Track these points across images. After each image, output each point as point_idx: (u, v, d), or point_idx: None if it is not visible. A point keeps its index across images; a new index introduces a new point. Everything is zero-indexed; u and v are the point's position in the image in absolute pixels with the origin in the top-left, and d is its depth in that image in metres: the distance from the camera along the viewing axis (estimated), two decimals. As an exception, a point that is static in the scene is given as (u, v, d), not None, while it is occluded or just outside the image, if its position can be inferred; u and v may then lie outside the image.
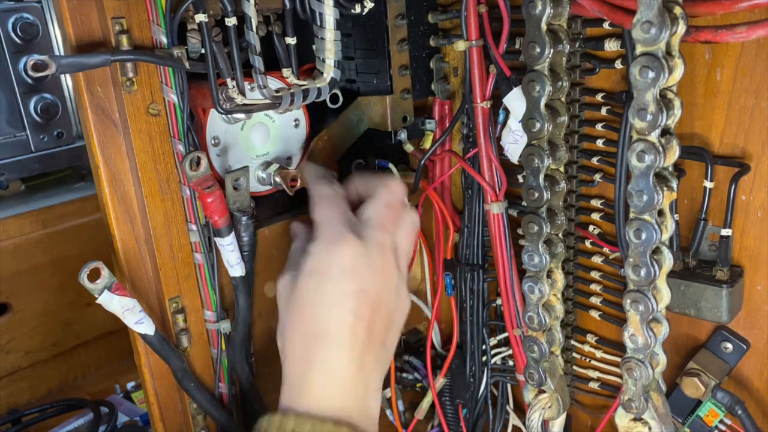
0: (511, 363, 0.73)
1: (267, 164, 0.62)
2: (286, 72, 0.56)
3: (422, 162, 0.66)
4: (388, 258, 0.51)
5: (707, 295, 0.57)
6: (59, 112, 1.06)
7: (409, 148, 0.67)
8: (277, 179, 0.61)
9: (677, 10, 0.43)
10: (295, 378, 0.49)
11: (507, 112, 0.60)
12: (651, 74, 0.44)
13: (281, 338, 0.51)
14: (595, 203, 0.63)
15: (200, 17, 0.49)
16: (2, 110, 1.00)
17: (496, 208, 0.62)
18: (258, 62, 0.52)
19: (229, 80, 0.52)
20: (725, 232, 0.56)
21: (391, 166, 0.68)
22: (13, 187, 1.07)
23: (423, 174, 0.69)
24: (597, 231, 0.64)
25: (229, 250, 0.55)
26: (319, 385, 0.48)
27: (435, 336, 0.78)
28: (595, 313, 0.66)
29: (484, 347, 0.73)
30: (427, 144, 0.68)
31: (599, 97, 0.59)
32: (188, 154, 0.52)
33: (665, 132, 0.47)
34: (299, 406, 0.47)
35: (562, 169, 0.57)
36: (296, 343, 0.50)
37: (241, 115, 0.57)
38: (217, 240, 0.55)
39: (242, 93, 0.53)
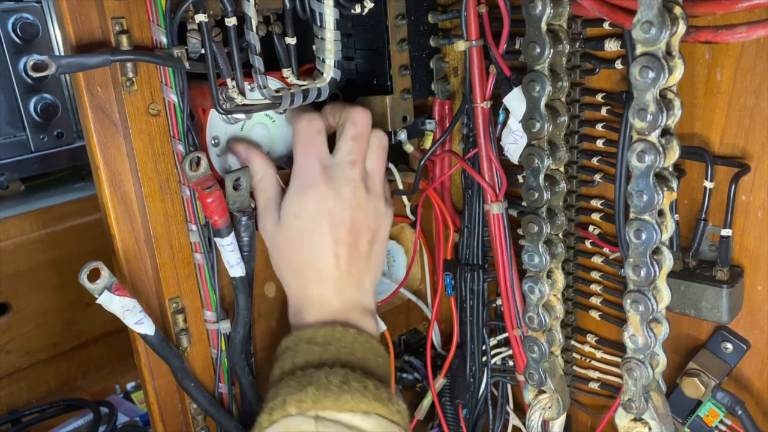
0: (511, 363, 0.73)
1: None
2: (286, 72, 0.56)
3: (422, 162, 0.66)
4: (358, 189, 0.57)
5: (707, 295, 0.57)
6: (59, 112, 1.06)
7: (409, 148, 0.67)
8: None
9: (677, 10, 0.43)
10: (297, 300, 0.58)
11: (507, 112, 0.60)
12: (651, 74, 0.44)
13: (279, 272, 0.60)
14: (596, 203, 0.63)
15: (200, 17, 0.49)
16: (2, 110, 1.00)
17: (496, 208, 0.62)
18: (258, 62, 0.52)
19: (229, 80, 0.52)
20: (725, 232, 0.56)
21: (391, 166, 0.68)
22: (13, 187, 1.07)
23: (423, 174, 0.69)
24: (597, 231, 0.64)
25: (229, 250, 0.55)
26: (317, 299, 0.57)
27: (435, 336, 0.78)
28: (595, 314, 0.66)
29: (484, 347, 0.73)
30: (427, 144, 0.68)
31: (599, 98, 0.59)
32: (188, 154, 0.52)
33: (665, 132, 0.47)
34: (307, 320, 0.57)
35: (562, 169, 0.57)
36: (291, 274, 0.59)
37: (241, 115, 0.57)
38: (217, 240, 0.55)
39: (242, 93, 0.53)
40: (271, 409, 0.51)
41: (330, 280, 0.57)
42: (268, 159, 0.58)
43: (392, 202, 0.63)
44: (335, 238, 0.56)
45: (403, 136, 0.65)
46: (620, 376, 0.58)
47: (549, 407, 0.62)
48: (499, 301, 0.69)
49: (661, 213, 0.50)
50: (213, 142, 0.58)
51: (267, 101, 0.54)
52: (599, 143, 0.60)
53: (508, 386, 0.75)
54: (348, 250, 0.57)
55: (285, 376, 0.53)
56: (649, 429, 0.55)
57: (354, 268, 0.58)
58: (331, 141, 0.59)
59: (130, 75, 0.50)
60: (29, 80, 1.01)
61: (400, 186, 0.68)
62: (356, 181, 0.57)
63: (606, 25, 0.55)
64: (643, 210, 0.48)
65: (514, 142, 0.60)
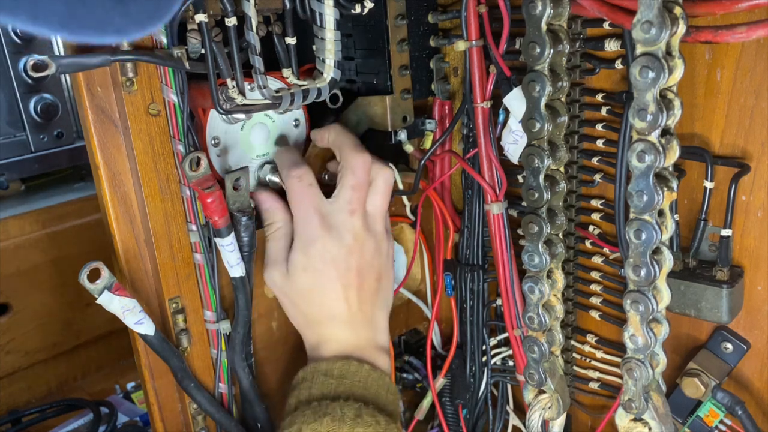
0: (511, 363, 0.73)
1: (268, 164, 0.62)
2: (286, 72, 0.56)
3: (422, 162, 0.66)
4: (359, 233, 0.59)
5: (707, 295, 0.57)
6: (59, 112, 1.06)
7: (409, 148, 0.67)
8: (275, 179, 0.61)
9: (677, 11, 0.43)
10: (313, 340, 0.61)
11: (507, 112, 0.60)
12: (651, 74, 0.44)
13: (294, 320, 0.62)
14: (596, 203, 0.63)
15: (200, 17, 0.49)
16: (2, 110, 1.00)
17: (496, 209, 0.62)
18: (258, 62, 0.52)
19: (229, 80, 0.52)
20: (725, 232, 0.56)
21: (391, 166, 0.68)
22: (13, 187, 1.07)
23: (423, 174, 0.69)
24: (597, 231, 0.64)
25: (229, 250, 0.55)
26: (333, 337, 0.60)
27: (435, 336, 0.78)
28: (595, 314, 0.66)
29: (484, 347, 0.73)
30: (427, 144, 0.68)
31: (599, 98, 0.59)
32: (188, 154, 0.52)
33: (665, 132, 0.47)
34: (323, 355, 0.59)
35: (562, 169, 0.57)
36: (304, 322, 0.61)
37: (241, 116, 0.57)
38: (217, 240, 0.55)
39: (242, 93, 0.53)
40: None
41: (343, 321, 0.59)
42: (290, 213, 0.59)
43: (391, 231, 0.64)
44: (344, 284, 0.58)
45: (403, 136, 0.65)
46: (620, 376, 0.58)
47: (549, 407, 0.62)
48: (499, 301, 0.69)
49: (661, 213, 0.50)
50: (213, 142, 0.58)
51: (267, 101, 0.54)
52: (599, 143, 0.60)
53: (508, 386, 0.75)
54: (357, 292, 0.59)
55: (301, 406, 0.56)
56: (649, 429, 0.55)
57: (365, 306, 0.60)
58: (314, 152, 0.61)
59: (130, 75, 0.50)
60: (29, 80, 1.01)
61: (400, 186, 0.68)
62: (357, 228, 0.59)
63: (606, 25, 0.55)
64: (643, 210, 0.48)
65: (514, 142, 0.60)
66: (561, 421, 0.64)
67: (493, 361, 0.73)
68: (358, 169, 0.58)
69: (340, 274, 0.58)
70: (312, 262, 0.58)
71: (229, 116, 0.55)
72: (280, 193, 0.61)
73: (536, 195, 0.55)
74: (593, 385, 0.69)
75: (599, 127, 0.60)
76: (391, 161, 0.68)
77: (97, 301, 0.50)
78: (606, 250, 0.63)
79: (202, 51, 0.51)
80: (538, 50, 0.51)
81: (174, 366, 0.56)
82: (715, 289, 0.56)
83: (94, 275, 0.49)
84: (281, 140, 0.63)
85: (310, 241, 0.58)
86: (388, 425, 0.55)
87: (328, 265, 0.58)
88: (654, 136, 0.46)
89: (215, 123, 0.58)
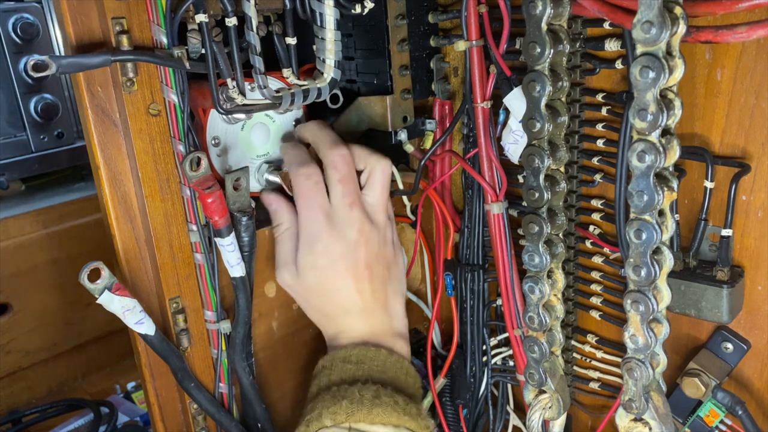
0: (511, 363, 0.73)
1: (267, 164, 0.62)
2: (286, 72, 0.56)
3: (422, 162, 0.66)
4: (363, 226, 0.59)
5: (708, 295, 0.57)
6: (59, 112, 1.06)
7: (409, 148, 0.67)
8: (274, 179, 0.61)
9: (678, 10, 0.43)
10: (331, 331, 0.62)
11: (507, 112, 0.60)
12: (651, 74, 0.44)
13: (312, 316, 0.63)
14: (596, 203, 0.63)
15: (200, 17, 0.49)
16: (2, 110, 1.00)
17: (496, 208, 0.62)
18: (258, 62, 0.52)
19: (229, 80, 0.52)
20: (726, 232, 0.56)
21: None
22: (13, 187, 1.07)
23: (423, 174, 0.69)
24: (597, 231, 0.64)
25: (229, 250, 0.55)
26: (350, 326, 0.61)
27: (435, 336, 0.78)
28: (595, 314, 0.66)
29: (484, 347, 0.73)
30: (428, 144, 0.68)
31: (600, 98, 0.59)
32: (188, 154, 0.52)
33: (666, 132, 0.47)
34: (341, 344, 0.61)
35: (562, 169, 0.57)
36: (320, 317, 0.62)
37: (242, 116, 0.57)
38: (217, 240, 0.55)
39: (242, 93, 0.53)
40: (308, 421, 0.55)
41: (358, 313, 0.60)
42: (296, 214, 0.60)
43: (394, 218, 0.65)
44: (355, 278, 0.59)
45: (403, 136, 0.65)
46: (620, 376, 0.58)
47: (549, 407, 0.62)
48: (499, 301, 0.69)
49: (661, 213, 0.50)
50: (213, 142, 0.58)
51: (267, 101, 0.54)
52: (599, 143, 0.60)
53: (509, 386, 0.75)
54: (369, 283, 0.60)
55: (322, 392, 0.57)
56: (650, 429, 0.55)
57: (378, 295, 0.61)
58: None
59: (131, 75, 0.50)
60: (29, 80, 1.01)
61: (401, 186, 0.68)
62: (360, 221, 0.59)
63: (606, 25, 0.55)
64: (643, 210, 0.48)
65: (515, 142, 0.60)
66: (561, 421, 0.64)
67: (493, 361, 0.73)
68: (338, 163, 0.58)
69: (349, 268, 0.59)
70: (319, 261, 0.58)
71: (230, 116, 0.55)
72: (281, 191, 0.61)
73: (536, 195, 0.55)
74: (593, 385, 0.69)
75: (599, 127, 0.60)
76: (391, 161, 0.68)
77: (97, 301, 0.50)
78: (606, 250, 0.63)
79: (203, 51, 0.51)
80: (539, 50, 0.51)
81: (174, 366, 0.56)
82: (716, 289, 0.56)
83: (94, 275, 0.49)
84: (286, 138, 0.63)
85: (314, 240, 0.58)
86: (407, 405, 0.56)
87: (336, 261, 0.58)
88: (654, 136, 0.46)
89: (215, 123, 0.58)
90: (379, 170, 0.61)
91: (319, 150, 0.60)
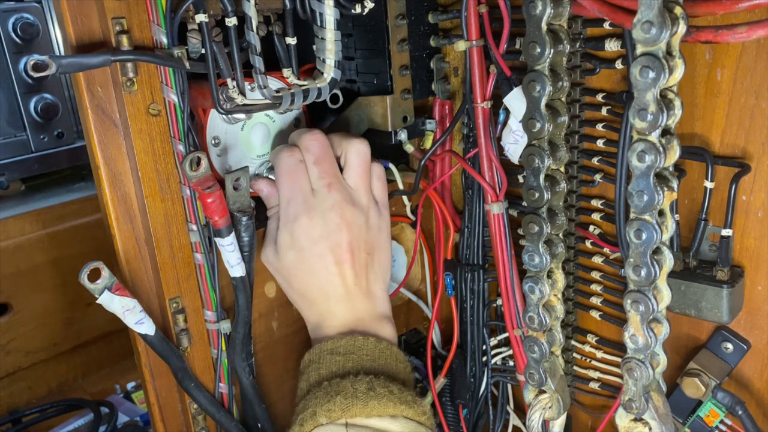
0: (511, 363, 0.73)
1: (267, 164, 0.62)
2: (286, 72, 0.56)
3: (422, 162, 0.66)
4: (345, 209, 0.58)
5: (708, 295, 0.57)
6: (59, 112, 1.06)
7: (409, 148, 0.67)
8: (271, 177, 0.61)
9: (678, 10, 0.43)
10: (314, 318, 0.61)
11: (507, 112, 0.60)
12: (651, 74, 0.44)
13: (291, 297, 0.62)
14: (596, 203, 0.63)
15: (200, 17, 0.49)
16: (2, 110, 1.00)
17: (496, 208, 0.62)
18: (258, 62, 0.52)
19: (229, 80, 0.52)
20: (726, 232, 0.56)
21: (391, 166, 0.68)
22: (13, 187, 1.07)
23: (423, 174, 0.69)
24: (597, 231, 0.64)
25: (229, 250, 0.55)
26: (334, 314, 0.59)
27: (435, 336, 0.78)
28: (595, 314, 0.66)
29: (484, 347, 0.73)
30: (428, 144, 0.68)
31: (600, 98, 0.59)
32: (188, 154, 0.52)
33: (666, 132, 0.47)
34: (326, 334, 0.59)
35: (562, 169, 0.57)
36: (299, 298, 0.61)
37: (242, 115, 0.57)
38: (217, 240, 0.55)
39: (242, 93, 0.53)
40: (302, 420, 0.53)
41: (339, 297, 0.59)
42: None
43: (387, 202, 0.63)
44: (336, 260, 0.58)
45: (403, 136, 0.65)
46: (620, 376, 0.58)
47: (549, 407, 0.62)
48: (499, 301, 0.69)
49: (661, 213, 0.50)
50: (213, 142, 0.58)
51: (267, 101, 0.54)
52: (599, 143, 0.60)
53: (509, 386, 0.75)
54: (351, 266, 0.59)
55: (312, 389, 0.56)
56: (650, 429, 0.55)
57: (361, 280, 0.60)
58: None
59: (131, 75, 0.50)
60: (29, 80, 1.01)
61: (401, 186, 0.68)
62: (340, 202, 0.58)
63: (606, 25, 0.55)
64: (643, 210, 0.48)
65: (515, 142, 0.60)
66: (561, 421, 0.64)
67: (493, 361, 0.73)
68: (312, 146, 0.58)
69: (330, 250, 0.58)
70: (297, 241, 0.58)
71: (230, 116, 0.55)
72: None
73: (536, 195, 0.55)
74: (593, 385, 0.69)
75: (599, 127, 0.60)
76: (391, 161, 0.68)
77: (97, 301, 0.50)
78: (606, 250, 0.63)
79: (203, 51, 0.51)
80: (539, 50, 0.51)
81: (174, 366, 0.56)
82: (716, 289, 0.56)
83: (94, 275, 0.49)
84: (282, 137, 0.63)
85: (292, 219, 0.58)
86: (402, 393, 0.55)
87: (316, 242, 0.57)
88: (654, 136, 0.46)
89: (215, 123, 0.58)
90: (353, 152, 0.59)
91: (296, 140, 0.60)
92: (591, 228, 0.64)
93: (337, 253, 0.58)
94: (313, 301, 0.60)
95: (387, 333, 0.60)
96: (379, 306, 0.61)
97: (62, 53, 0.49)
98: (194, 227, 0.55)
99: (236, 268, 0.56)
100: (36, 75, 0.45)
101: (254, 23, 0.51)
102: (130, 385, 1.07)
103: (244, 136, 0.60)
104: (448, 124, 0.68)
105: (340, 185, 0.59)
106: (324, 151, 0.58)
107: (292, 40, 0.55)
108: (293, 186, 0.58)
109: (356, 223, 0.59)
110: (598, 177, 0.61)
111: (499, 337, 0.73)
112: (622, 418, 0.56)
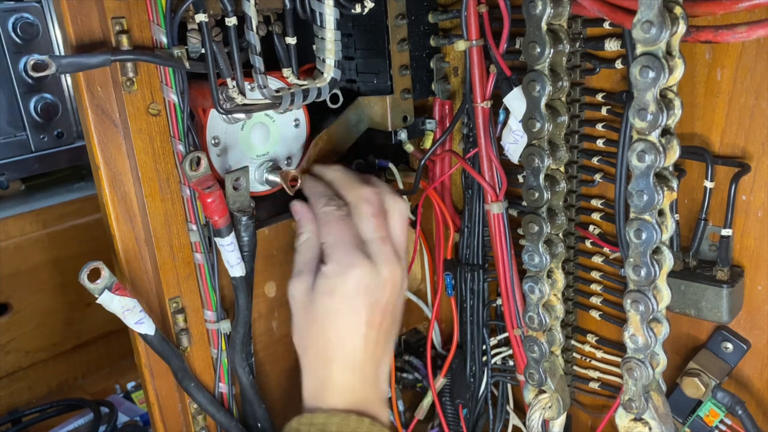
0: (511, 363, 0.73)
1: (267, 164, 0.62)
2: (286, 72, 0.56)
3: (422, 162, 0.66)
4: (394, 266, 0.56)
5: (708, 295, 0.57)
6: (59, 112, 1.06)
7: (409, 148, 0.67)
8: (274, 178, 0.61)
9: (677, 10, 0.43)
10: (316, 379, 0.57)
11: (507, 112, 0.60)
12: (651, 74, 0.44)
13: (300, 343, 0.58)
14: (596, 203, 0.63)
15: (200, 17, 0.49)
16: (2, 110, 1.00)
17: (496, 208, 0.62)
18: (258, 62, 0.52)
19: (229, 80, 0.52)
20: (725, 232, 0.56)
21: (391, 166, 0.68)
22: (13, 187, 1.07)
23: (423, 174, 0.69)
24: (597, 231, 0.64)
25: (229, 250, 0.55)
26: (339, 384, 0.55)
27: (435, 336, 0.78)
28: (595, 313, 0.66)
29: (484, 347, 0.73)
30: (428, 144, 0.68)
31: (599, 97, 0.59)
32: (188, 154, 0.52)
33: (665, 132, 0.47)
34: (325, 404, 0.55)
35: (562, 169, 0.57)
36: (314, 349, 0.57)
37: (241, 115, 0.57)
38: (217, 240, 0.55)
39: (242, 93, 0.53)
40: None
41: (355, 366, 0.56)
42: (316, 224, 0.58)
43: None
44: (368, 320, 0.55)
45: (403, 135, 0.65)
46: (620, 376, 0.58)
47: (549, 407, 0.62)
48: (499, 301, 0.69)
49: (661, 213, 0.50)
50: (213, 141, 0.58)
51: (267, 101, 0.54)
52: (599, 143, 0.60)
53: (509, 386, 0.75)
54: (376, 332, 0.56)
55: None
56: (650, 429, 0.55)
57: (378, 350, 0.57)
58: None
59: (131, 75, 0.50)
60: (29, 80, 1.01)
61: (401, 186, 0.68)
62: (393, 259, 0.56)
63: (606, 25, 0.55)
64: (643, 210, 0.48)
65: (515, 141, 0.60)
66: (561, 420, 0.64)
67: (493, 361, 0.73)
68: (371, 198, 0.57)
69: (367, 307, 0.55)
70: (344, 288, 0.54)
71: (229, 116, 0.55)
72: (283, 193, 0.61)
73: (536, 195, 0.55)
74: (593, 385, 0.69)
75: (599, 126, 0.60)
76: (391, 161, 0.68)
77: (97, 301, 0.50)
78: (606, 249, 0.63)
79: (202, 51, 0.51)
80: (539, 50, 0.51)
81: (174, 366, 0.56)
82: (716, 288, 0.56)
83: (94, 275, 0.49)
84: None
85: (348, 264, 0.54)
86: None
87: (360, 294, 0.55)
88: (654, 136, 0.46)
89: (215, 123, 0.58)
90: (397, 212, 0.59)
91: (346, 187, 0.59)
92: (591, 228, 0.64)
93: (372, 313, 0.55)
94: (328, 360, 0.56)
95: (383, 415, 0.57)
96: (382, 383, 0.59)
97: (62, 53, 0.49)
98: (194, 227, 0.55)
99: (236, 268, 0.56)
100: (36, 75, 0.45)
101: (254, 23, 0.51)
102: (130, 385, 1.07)
103: (244, 135, 0.60)
104: (448, 124, 0.68)
105: (391, 242, 0.57)
106: (381, 206, 0.58)
107: (292, 40, 0.55)
108: (345, 233, 0.56)
109: (397, 283, 0.57)
110: (597, 177, 0.61)
111: (499, 337, 0.73)
112: (622, 418, 0.56)
